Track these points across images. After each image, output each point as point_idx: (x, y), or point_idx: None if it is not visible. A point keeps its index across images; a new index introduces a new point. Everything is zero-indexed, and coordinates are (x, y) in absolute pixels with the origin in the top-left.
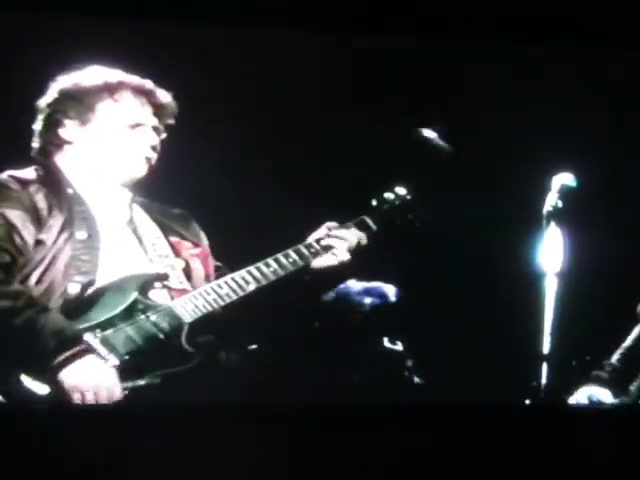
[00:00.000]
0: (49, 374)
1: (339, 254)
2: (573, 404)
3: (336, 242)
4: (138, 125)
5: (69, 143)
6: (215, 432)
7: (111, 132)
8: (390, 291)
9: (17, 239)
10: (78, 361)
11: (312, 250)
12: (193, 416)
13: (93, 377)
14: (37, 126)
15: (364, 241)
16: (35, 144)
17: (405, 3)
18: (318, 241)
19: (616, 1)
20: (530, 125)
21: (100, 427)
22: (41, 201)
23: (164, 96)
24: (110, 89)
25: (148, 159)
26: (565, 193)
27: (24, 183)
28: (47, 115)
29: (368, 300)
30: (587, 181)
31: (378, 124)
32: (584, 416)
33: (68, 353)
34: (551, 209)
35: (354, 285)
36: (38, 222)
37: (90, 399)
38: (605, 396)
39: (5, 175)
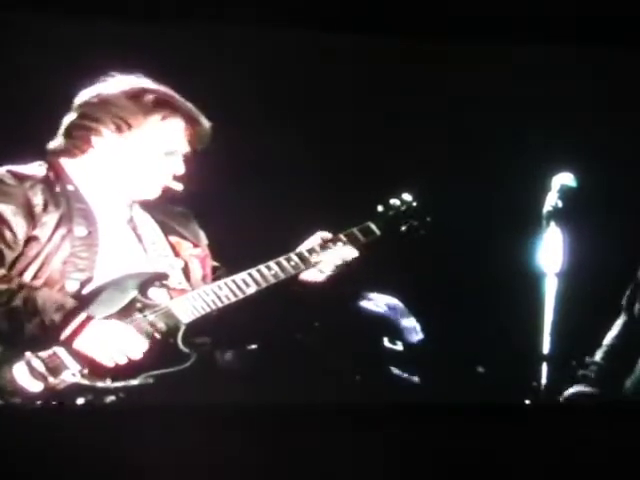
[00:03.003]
0: (63, 347)
1: (327, 269)
2: (573, 404)
3: (327, 257)
4: (172, 153)
5: (94, 149)
6: (211, 433)
7: (146, 155)
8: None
9: (7, 233)
10: (88, 327)
11: (315, 255)
12: (188, 417)
13: (110, 335)
14: (67, 123)
15: (354, 255)
16: (58, 142)
17: (405, 3)
18: (321, 246)
19: (616, 1)
20: (530, 125)
21: (95, 427)
22: (36, 197)
23: (206, 124)
24: (164, 112)
25: (166, 187)
26: (565, 193)
27: (21, 178)
28: (83, 116)
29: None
30: (587, 181)
31: (380, 126)
32: (584, 416)
33: (76, 322)
34: (551, 209)
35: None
36: (31, 217)
37: (116, 356)
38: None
39: (3, 170)
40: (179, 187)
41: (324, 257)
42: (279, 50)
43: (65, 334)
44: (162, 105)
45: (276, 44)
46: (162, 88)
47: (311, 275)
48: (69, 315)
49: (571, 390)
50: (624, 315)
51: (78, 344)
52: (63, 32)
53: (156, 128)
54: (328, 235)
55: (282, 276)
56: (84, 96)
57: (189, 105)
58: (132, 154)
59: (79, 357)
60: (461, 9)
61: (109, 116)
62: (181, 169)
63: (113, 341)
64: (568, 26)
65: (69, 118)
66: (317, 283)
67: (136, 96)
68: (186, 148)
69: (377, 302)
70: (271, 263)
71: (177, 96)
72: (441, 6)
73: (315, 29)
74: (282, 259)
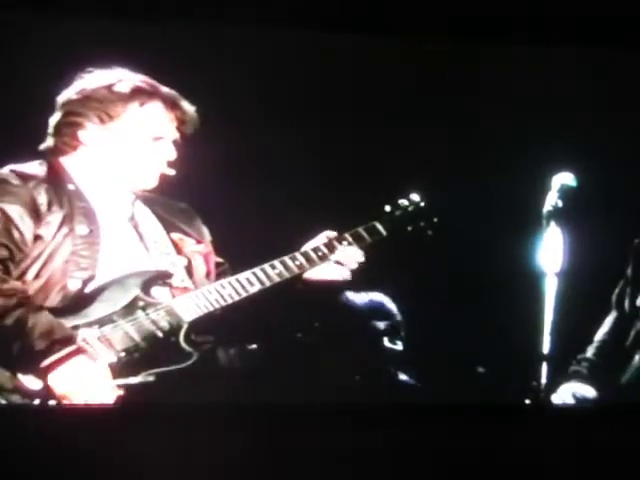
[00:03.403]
0: (39, 376)
1: (331, 268)
2: (573, 404)
3: (332, 256)
4: (160, 138)
5: (84, 145)
6: (212, 432)
7: (133, 142)
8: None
9: (15, 234)
10: (68, 363)
11: (320, 254)
12: (189, 415)
13: (84, 380)
14: (53, 122)
15: (359, 255)
16: (48, 142)
17: (405, 3)
18: (326, 245)
19: (616, 1)
20: (530, 125)
21: (94, 425)
22: (41, 196)
23: (190, 109)
24: (141, 98)
25: (162, 174)
26: (565, 193)
27: (25, 178)
28: (68, 114)
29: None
30: (587, 181)
31: (381, 126)
32: (584, 416)
33: (58, 355)
34: (551, 209)
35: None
36: (37, 217)
37: (81, 402)
38: (588, 392)
39: (6, 170)
40: (171, 172)
41: (329, 256)
42: (279, 50)
43: (46, 362)
44: (139, 92)
45: (276, 44)
46: (138, 76)
47: (315, 274)
48: (54, 343)
49: (564, 387)
50: (615, 311)
51: (54, 377)
52: (63, 32)
53: (137, 115)
54: (334, 234)
55: (286, 275)
56: (66, 94)
57: (167, 89)
58: (119, 144)
59: (48, 389)
60: (461, 9)
61: (91, 110)
62: (172, 154)
63: (80, 386)
64: (568, 26)
65: (55, 117)
66: (321, 282)
67: (113, 86)
68: (174, 134)
69: (377, 302)
70: (276, 262)
71: (154, 82)
72: (441, 6)
73: (315, 29)
74: (287, 258)
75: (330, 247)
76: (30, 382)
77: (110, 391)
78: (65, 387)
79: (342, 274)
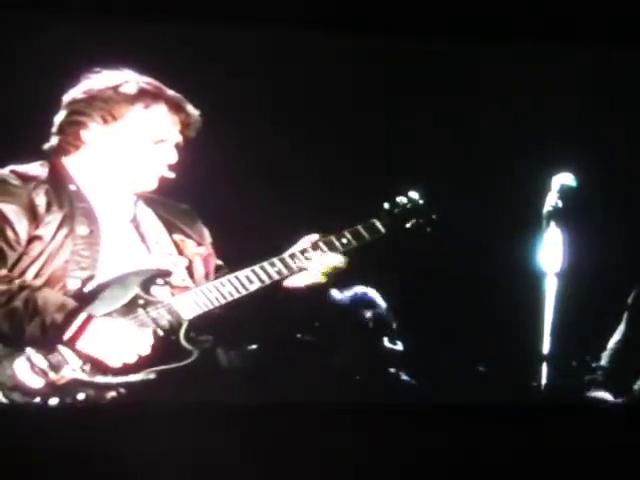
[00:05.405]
0: (66, 347)
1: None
2: (573, 404)
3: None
4: (162, 141)
5: (86, 145)
6: (212, 430)
7: (135, 144)
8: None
9: (9, 233)
10: (90, 327)
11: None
12: (188, 413)
13: (115, 334)
14: (58, 121)
15: (342, 264)
16: (52, 141)
17: (405, 3)
18: (326, 244)
19: (616, 1)
20: (530, 125)
21: (94, 423)
22: (39, 197)
23: (194, 113)
24: (146, 100)
25: (162, 177)
26: (565, 193)
27: (25, 179)
28: (72, 113)
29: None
30: (587, 181)
31: (381, 125)
32: (584, 416)
33: (78, 322)
34: (551, 209)
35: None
36: (34, 218)
37: (125, 355)
38: (606, 397)
39: (6, 170)
40: (171, 175)
41: (327, 254)
42: (279, 50)
43: (68, 334)
44: (144, 94)
45: (276, 44)
46: (145, 78)
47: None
48: (70, 315)
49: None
50: (630, 317)
51: (82, 344)
52: (69, 32)
53: (140, 117)
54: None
55: (285, 273)
56: (72, 94)
57: (172, 92)
58: (121, 145)
59: (83, 357)
60: (461, 9)
61: (95, 110)
62: (173, 158)
63: (119, 340)
64: (568, 26)
65: (59, 117)
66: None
67: (119, 87)
68: (177, 137)
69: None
70: (275, 260)
71: (160, 84)
72: (441, 6)
73: (315, 29)
74: (286, 256)
75: (329, 245)
76: (31, 380)
77: (140, 339)
78: (98, 350)
79: (338, 273)
